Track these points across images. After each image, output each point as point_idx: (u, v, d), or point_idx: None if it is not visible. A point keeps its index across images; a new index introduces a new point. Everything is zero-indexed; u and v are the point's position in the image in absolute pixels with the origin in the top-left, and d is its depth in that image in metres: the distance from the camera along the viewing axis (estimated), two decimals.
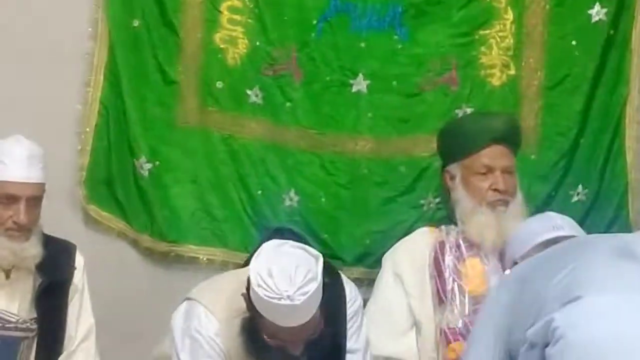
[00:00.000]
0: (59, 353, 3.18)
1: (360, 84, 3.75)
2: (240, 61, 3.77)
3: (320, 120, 3.78)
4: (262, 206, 3.75)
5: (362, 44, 3.75)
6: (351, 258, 3.74)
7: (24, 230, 3.10)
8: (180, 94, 3.77)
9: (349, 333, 3.04)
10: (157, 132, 3.76)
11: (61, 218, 3.61)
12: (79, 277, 3.28)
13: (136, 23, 3.74)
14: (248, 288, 2.73)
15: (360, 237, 3.75)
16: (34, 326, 3.09)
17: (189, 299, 2.97)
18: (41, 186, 3.16)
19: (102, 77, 3.74)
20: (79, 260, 3.29)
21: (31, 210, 3.11)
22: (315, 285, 2.64)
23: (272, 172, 3.77)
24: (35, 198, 3.12)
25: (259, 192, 3.76)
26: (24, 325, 3.05)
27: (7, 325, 3.01)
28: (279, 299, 2.62)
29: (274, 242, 2.76)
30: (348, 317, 3.05)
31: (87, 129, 3.74)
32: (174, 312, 2.98)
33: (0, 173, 3.09)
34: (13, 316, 3.04)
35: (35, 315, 3.14)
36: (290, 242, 2.77)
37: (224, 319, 2.88)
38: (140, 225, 3.76)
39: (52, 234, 3.26)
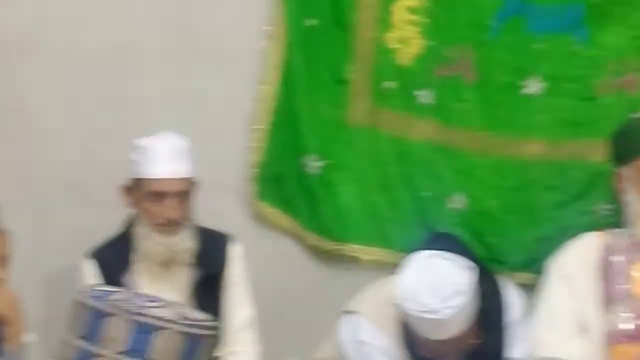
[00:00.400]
0: (219, 343, 3.22)
1: (534, 86, 3.65)
2: (413, 61, 3.74)
3: (491, 122, 3.70)
4: (428, 208, 3.70)
5: (538, 45, 3.65)
6: (517, 263, 3.65)
7: (174, 225, 3.15)
8: (351, 94, 3.77)
9: (510, 342, 2.97)
10: (327, 131, 3.77)
11: (232, 214, 3.68)
12: (236, 267, 3.30)
13: (311, 22, 3.76)
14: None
15: (527, 242, 3.65)
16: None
17: (350, 311, 2.94)
18: (188, 181, 3.20)
19: (276, 75, 3.78)
20: (236, 250, 3.32)
21: (180, 204, 3.15)
22: (462, 299, 2.59)
23: (440, 174, 3.72)
24: (182, 193, 3.17)
25: (426, 193, 3.72)
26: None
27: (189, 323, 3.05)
28: (425, 312, 2.58)
29: (422, 254, 2.72)
30: (509, 326, 2.97)
31: (260, 126, 3.78)
32: (339, 328, 2.95)
33: (145, 170, 3.16)
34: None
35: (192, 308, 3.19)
36: (442, 253, 2.72)
37: (386, 329, 2.86)
38: (308, 223, 3.77)
39: (220, 230, 3.31)
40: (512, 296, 3.01)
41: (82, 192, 3.72)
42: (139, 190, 3.17)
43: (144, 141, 3.18)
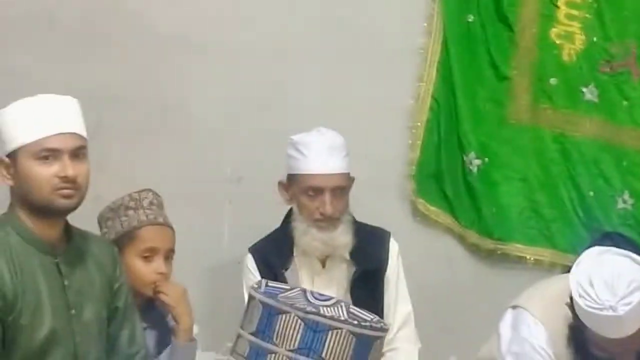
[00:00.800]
0: None
1: None
2: (576, 57, 3.68)
3: None
4: (594, 208, 3.62)
5: None
6: None
7: (331, 220, 3.14)
8: (513, 90, 3.72)
9: None
10: (487, 128, 3.73)
11: (390, 211, 3.68)
12: (394, 264, 3.28)
13: (470, 18, 3.73)
14: (571, 297, 2.64)
15: None
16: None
17: (515, 306, 2.90)
18: (344, 176, 3.18)
19: (434, 72, 3.76)
20: (393, 247, 3.29)
21: (337, 200, 3.15)
22: (639, 295, 2.51)
23: (605, 172, 3.64)
24: (339, 188, 3.15)
25: (591, 193, 3.64)
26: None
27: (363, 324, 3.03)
28: (601, 309, 2.50)
29: (596, 250, 2.64)
30: None
31: (419, 124, 3.77)
32: (501, 321, 2.90)
33: (302, 166, 3.15)
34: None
35: (350, 303, 3.18)
36: (614, 249, 2.64)
37: (552, 327, 2.78)
38: (467, 221, 3.74)
39: (382, 226, 3.31)
40: None
41: (242, 190, 3.78)
42: (296, 186, 3.19)
43: (300, 137, 3.20)
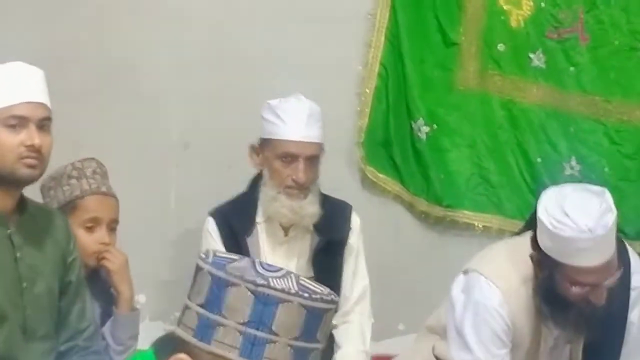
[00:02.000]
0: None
1: None
2: (524, 23, 3.67)
3: (606, 86, 3.62)
4: (541, 174, 3.64)
5: None
6: (634, 231, 3.57)
7: (302, 189, 3.13)
8: (461, 57, 3.72)
9: (631, 303, 2.89)
10: (435, 94, 3.73)
11: (339, 178, 3.66)
12: (355, 238, 3.29)
13: None
14: (535, 247, 2.65)
15: None
16: None
17: (467, 271, 2.91)
18: (319, 145, 3.18)
19: (383, 38, 3.74)
20: (355, 220, 3.30)
21: (310, 169, 3.14)
22: (612, 216, 2.54)
23: (552, 139, 3.66)
24: (313, 157, 3.15)
25: (539, 159, 3.66)
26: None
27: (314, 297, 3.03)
28: (581, 233, 2.53)
29: (552, 188, 2.67)
30: (631, 288, 2.90)
31: (367, 90, 3.75)
32: (453, 285, 2.92)
33: (280, 131, 3.13)
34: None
35: (312, 274, 3.19)
36: (567, 184, 2.67)
37: (506, 288, 2.79)
38: (417, 189, 3.74)
39: (329, 194, 3.31)
40: (634, 260, 2.92)
41: (189, 155, 3.74)
42: (270, 151, 3.14)
43: (279, 102, 3.16)
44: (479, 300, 2.79)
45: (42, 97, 2.54)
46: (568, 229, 2.56)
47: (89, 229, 2.87)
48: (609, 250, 2.62)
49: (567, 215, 2.56)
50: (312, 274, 3.16)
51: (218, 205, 3.24)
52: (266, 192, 3.14)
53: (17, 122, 2.46)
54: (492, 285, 2.79)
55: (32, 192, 2.68)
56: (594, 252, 2.59)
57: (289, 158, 3.10)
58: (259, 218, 3.20)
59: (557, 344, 2.87)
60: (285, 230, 3.21)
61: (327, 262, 3.19)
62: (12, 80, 2.49)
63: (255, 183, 3.23)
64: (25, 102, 2.48)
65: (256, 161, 3.19)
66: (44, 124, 2.51)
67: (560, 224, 2.57)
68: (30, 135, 2.46)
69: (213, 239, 3.17)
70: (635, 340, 2.89)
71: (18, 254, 2.53)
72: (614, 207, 2.59)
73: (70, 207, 2.86)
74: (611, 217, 2.58)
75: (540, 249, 2.66)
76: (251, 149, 3.20)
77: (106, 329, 2.87)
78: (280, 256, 3.17)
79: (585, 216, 2.56)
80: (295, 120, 3.11)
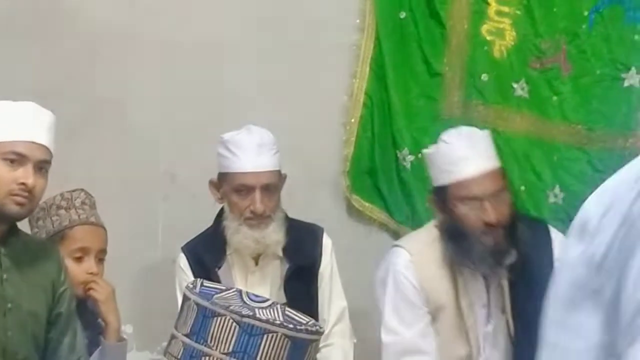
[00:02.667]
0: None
1: (633, 78, 3.58)
2: (507, 53, 3.70)
3: (588, 115, 3.64)
4: (525, 202, 3.64)
5: (636, 37, 3.58)
6: None
7: (263, 218, 3.11)
8: (445, 86, 3.75)
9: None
10: (420, 124, 3.75)
11: (325, 207, 3.68)
12: (327, 260, 3.26)
13: (403, 15, 3.74)
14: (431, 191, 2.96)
15: None
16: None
17: (394, 246, 3.10)
18: (275, 173, 3.16)
19: (367, 69, 3.77)
20: (327, 242, 3.27)
21: (267, 197, 3.13)
22: (480, 132, 3.00)
23: (536, 167, 3.68)
24: (269, 185, 3.13)
25: (522, 187, 3.67)
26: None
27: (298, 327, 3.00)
28: (456, 140, 2.93)
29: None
30: (553, 239, 3.01)
31: (352, 120, 3.78)
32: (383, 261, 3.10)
33: (233, 165, 3.13)
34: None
35: (284, 300, 3.18)
36: None
37: (413, 250, 2.98)
38: (402, 217, 3.76)
39: (316, 222, 3.31)
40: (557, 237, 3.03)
41: (177, 188, 3.76)
42: (227, 184, 3.15)
43: (230, 135, 3.17)
44: (388, 268, 3.01)
45: (47, 140, 2.59)
46: (443, 144, 2.92)
47: (78, 259, 2.88)
48: (487, 161, 2.89)
49: (441, 140, 2.96)
50: (284, 300, 3.14)
51: (189, 240, 3.26)
52: (229, 225, 3.15)
53: (16, 158, 2.51)
54: (399, 249, 3.03)
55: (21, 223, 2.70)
56: (471, 160, 2.86)
57: (245, 190, 3.11)
58: (228, 250, 3.20)
59: (491, 313, 2.98)
60: (255, 259, 3.20)
61: (299, 288, 3.17)
62: (22, 118, 2.55)
63: (220, 217, 3.24)
64: (29, 141, 2.54)
65: (217, 196, 3.21)
66: (42, 166, 2.57)
67: (436, 147, 2.95)
68: (26, 174, 2.51)
69: (185, 274, 3.16)
70: None
71: (5, 275, 2.56)
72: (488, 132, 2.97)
73: (58, 237, 2.88)
74: (475, 133, 2.96)
75: (434, 190, 2.95)
76: (210, 185, 3.21)
77: (94, 359, 2.87)
78: (253, 285, 3.15)
79: (457, 131, 2.97)
80: (246, 152, 3.11)
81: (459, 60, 3.73)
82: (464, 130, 3.02)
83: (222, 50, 3.73)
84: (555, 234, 3.04)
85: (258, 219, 3.11)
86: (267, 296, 3.08)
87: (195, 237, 3.27)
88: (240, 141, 3.13)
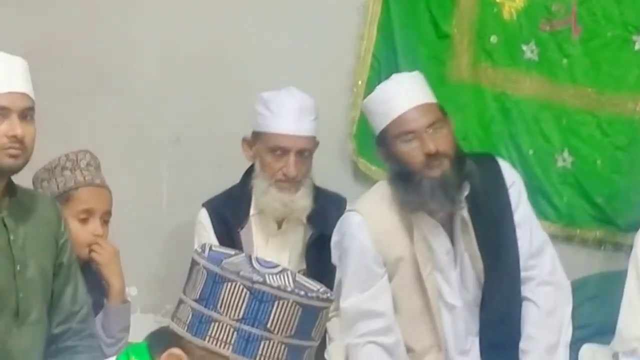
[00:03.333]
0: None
1: None
2: (517, 15, 3.65)
3: (598, 78, 3.60)
4: (533, 166, 3.62)
5: None
6: (626, 224, 3.55)
7: (293, 182, 3.12)
8: (453, 49, 3.70)
9: (513, 202, 3.01)
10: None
11: (331, 171, 3.65)
12: None
13: None
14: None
15: (638, 202, 3.55)
16: None
17: (348, 210, 3.09)
18: (312, 139, 3.17)
19: (375, 30, 3.72)
20: None
21: (301, 162, 3.13)
22: (415, 73, 3.12)
23: (545, 131, 3.64)
24: (305, 151, 3.14)
25: (531, 151, 3.64)
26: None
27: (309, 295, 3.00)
28: (389, 82, 3.05)
29: None
30: (508, 186, 3.03)
31: (359, 82, 3.74)
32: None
33: (271, 125, 3.11)
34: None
35: (304, 267, 3.19)
36: None
37: (364, 210, 3.00)
38: None
39: (322, 186, 3.30)
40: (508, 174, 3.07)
41: (181, 151, 3.74)
42: (261, 144, 3.13)
43: (271, 95, 3.14)
44: (344, 232, 3.01)
45: (24, 87, 2.52)
46: (376, 90, 3.03)
47: (83, 221, 2.88)
48: (419, 96, 2.95)
49: (377, 88, 3.07)
50: (304, 266, 3.16)
51: (212, 197, 3.24)
52: (258, 185, 3.14)
53: None
54: (351, 213, 3.03)
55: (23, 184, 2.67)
56: (402, 97, 2.92)
57: (280, 151, 3.10)
58: (253, 210, 3.19)
59: (456, 259, 3.00)
60: (278, 223, 3.20)
61: (320, 256, 3.18)
62: None
63: (248, 175, 3.22)
64: (7, 93, 2.47)
65: (249, 154, 3.19)
66: (26, 114, 2.51)
67: (373, 92, 3.03)
68: (12, 126, 2.46)
69: (206, 231, 3.16)
70: (530, 240, 3.01)
71: (11, 237, 2.55)
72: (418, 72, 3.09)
73: (64, 198, 2.87)
74: (405, 75, 3.09)
75: (377, 140, 2.99)
76: (244, 142, 3.19)
77: (97, 321, 2.87)
78: (273, 249, 3.17)
79: (389, 78, 3.08)
80: (286, 114, 3.10)
81: (467, 21, 3.68)
82: (394, 75, 3.12)
83: (226, 12, 3.69)
84: (503, 165, 3.09)
85: (289, 183, 3.11)
86: (286, 261, 3.11)
87: (219, 195, 3.26)
88: (282, 102, 3.10)
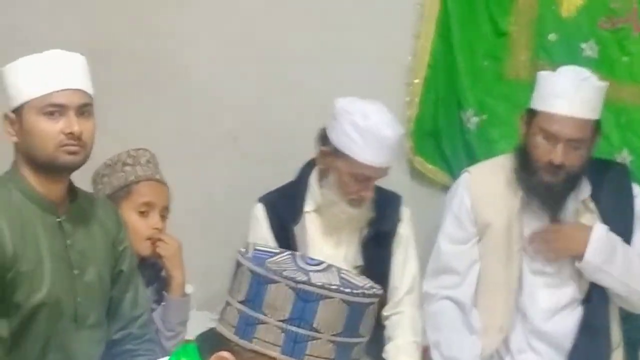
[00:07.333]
0: (383, 303, 3.22)
1: None
2: (576, 13, 3.61)
3: None
4: None
5: None
6: None
7: (364, 201, 3.16)
8: (511, 46, 3.67)
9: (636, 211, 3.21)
10: (485, 85, 3.69)
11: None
12: (405, 229, 3.28)
13: None
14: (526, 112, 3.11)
15: None
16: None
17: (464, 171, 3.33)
18: (389, 168, 3.17)
19: (432, 28, 3.70)
20: (405, 211, 3.30)
21: (374, 183, 3.15)
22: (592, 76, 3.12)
23: (604, 129, 3.57)
24: (382, 176, 3.15)
25: None
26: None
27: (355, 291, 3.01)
28: (569, 72, 3.07)
29: None
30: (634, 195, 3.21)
31: (416, 81, 3.72)
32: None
33: (359, 153, 3.05)
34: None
35: (360, 264, 3.19)
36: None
37: (474, 171, 3.24)
38: None
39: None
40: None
41: (238, 148, 3.75)
42: (343, 163, 3.08)
43: (368, 125, 3.02)
44: (452, 187, 3.31)
45: (81, 83, 2.52)
46: (557, 74, 3.06)
47: (142, 214, 2.91)
48: (583, 108, 3.01)
49: (559, 69, 3.11)
50: (360, 263, 3.17)
51: (267, 192, 3.25)
52: (327, 195, 3.15)
53: (55, 109, 2.46)
54: (464, 171, 3.27)
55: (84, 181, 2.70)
56: (569, 100, 2.97)
57: (362, 178, 3.10)
58: (308, 207, 3.20)
59: None
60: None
61: (376, 252, 3.20)
62: (49, 68, 2.48)
63: (304, 173, 3.23)
64: (63, 90, 2.48)
65: (323, 164, 3.17)
66: (83, 110, 2.51)
67: (555, 70, 3.10)
68: (69, 123, 2.46)
69: (260, 226, 3.18)
70: None
71: (68, 242, 2.56)
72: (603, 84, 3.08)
73: (124, 191, 2.90)
74: (590, 78, 3.07)
75: (527, 109, 3.09)
76: (322, 153, 3.16)
77: (156, 314, 2.90)
78: (329, 245, 3.19)
79: (574, 69, 3.08)
80: (377, 147, 3.05)
81: (526, 19, 3.65)
82: (579, 70, 3.11)
83: (284, 9, 3.70)
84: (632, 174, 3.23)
85: (361, 201, 3.14)
86: (342, 258, 3.11)
87: (274, 190, 3.27)
88: (376, 135, 3.04)
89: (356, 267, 3.14)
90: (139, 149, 3.00)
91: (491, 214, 3.14)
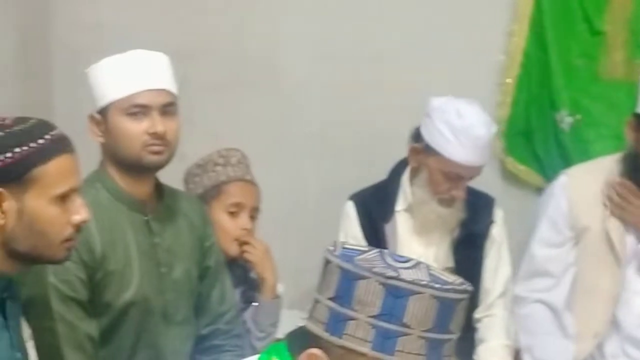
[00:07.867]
0: (475, 305, 3.19)
1: None
2: None
3: None
4: None
5: None
6: None
7: (456, 201, 3.13)
8: (607, 46, 3.61)
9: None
10: (580, 84, 3.63)
11: None
12: (498, 231, 3.25)
13: None
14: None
15: None
16: None
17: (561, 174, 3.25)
18: (482, 167, 3.13)
19: (526, 27, 3.66)
20: (498, 214, 3.26)
21: (467, 183, 3.13)
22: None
23: None
24: (475, 175, 3.13)
25: None
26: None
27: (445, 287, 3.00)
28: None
29: None
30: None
31: (509, 80, 3.68)
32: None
33: (454, 153, 3.02)
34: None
35: (451, 265, 3.16)
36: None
37: (572, 174, 3.17)
38: None
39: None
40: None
41: (327, 147, 3.76)
42: (435, 162, 3.07)
43: (463, 125, 3.00)
44: (548, 189, 3.23)
45: (164, 83, 2.54)
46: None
47: (232, 214, 2.92)
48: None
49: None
50: (451, 264, 3.15)
51: (358, 190, 3.25)
52: (419, 193, 3.14)
53: (139, 110, 2.49)
54: (562, 173, 3.20)
55: (167, 179, 2.73)
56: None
57: (454, 176, 3.08)
58: (399, 206, 3.19)
59: None
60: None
61: (468, 254, 3.18)
62: (132, 69, 2.51)
63: (397, 172, 3.22)
64: (146, 90, 2.50)
65: (414, 162, 3.16)
66: (167, 110, 2.53)
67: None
68: (153, 123, 2.49)
69: (351, 224, 3.18)
70: None
71: (156, 240, 2.58)
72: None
73: (215, 191, 2.92)
74: None
75: (635, 116, 2.97)
76: (413, 151, 3.15)
77: (247, 315, 2.92)
78: (419, 245, 3.17)
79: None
80: (471, 148, 3.03)
81: (621, 17, 3.58)
82: None
83: (374, 7, 3.69)
84: None
85: (451, 200, 3.11)
86: (432, 258, 3.09)
87: (366, 188, 3.27)
88: (471, 136, 3.02)
89: (447, 269, 3.10)
90: (230, 149, 3.02)
91: (590, 218, 3.07)
